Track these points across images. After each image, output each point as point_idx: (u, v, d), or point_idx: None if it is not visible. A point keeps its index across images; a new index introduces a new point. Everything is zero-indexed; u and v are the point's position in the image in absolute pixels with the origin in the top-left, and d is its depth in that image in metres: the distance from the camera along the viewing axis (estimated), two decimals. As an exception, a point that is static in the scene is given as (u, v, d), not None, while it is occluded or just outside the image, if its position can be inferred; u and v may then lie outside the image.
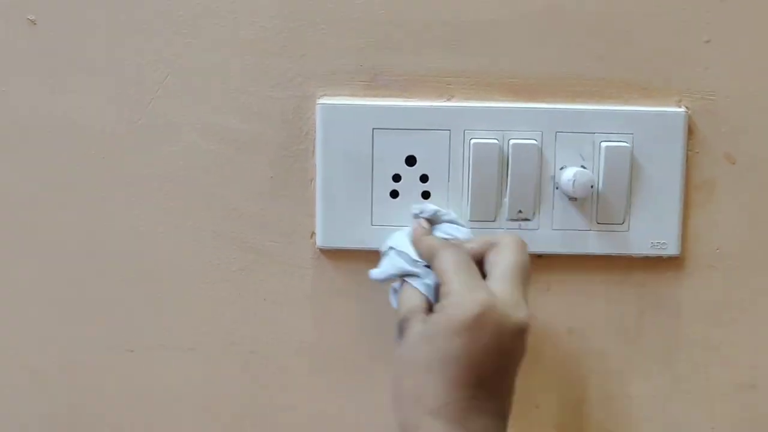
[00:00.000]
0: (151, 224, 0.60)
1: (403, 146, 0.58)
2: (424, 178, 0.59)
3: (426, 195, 0.59)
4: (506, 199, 0.58)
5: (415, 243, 0.54)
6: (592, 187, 0.57)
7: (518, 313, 0.47)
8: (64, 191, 0.60)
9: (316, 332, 0.61)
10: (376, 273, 0.55)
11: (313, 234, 0.60)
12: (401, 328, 0.50)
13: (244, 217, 0.60)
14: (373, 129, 0.58)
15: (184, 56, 0.58)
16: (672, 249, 0.59)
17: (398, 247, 0.54)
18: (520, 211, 0.58)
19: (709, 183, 0.59)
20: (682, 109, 0.58)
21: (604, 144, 0.58)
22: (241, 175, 0.59)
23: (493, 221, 0.59)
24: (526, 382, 0.60)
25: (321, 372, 0.62)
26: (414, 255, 0.53)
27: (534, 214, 0.59)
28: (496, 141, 0.57)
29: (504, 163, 0.58)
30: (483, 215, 0.58)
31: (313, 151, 0.59)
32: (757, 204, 0.60)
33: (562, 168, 0.58)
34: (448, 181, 0.59)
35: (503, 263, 0.50)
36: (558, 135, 0.58)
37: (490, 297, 0.47)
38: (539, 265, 0.60)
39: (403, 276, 0.53)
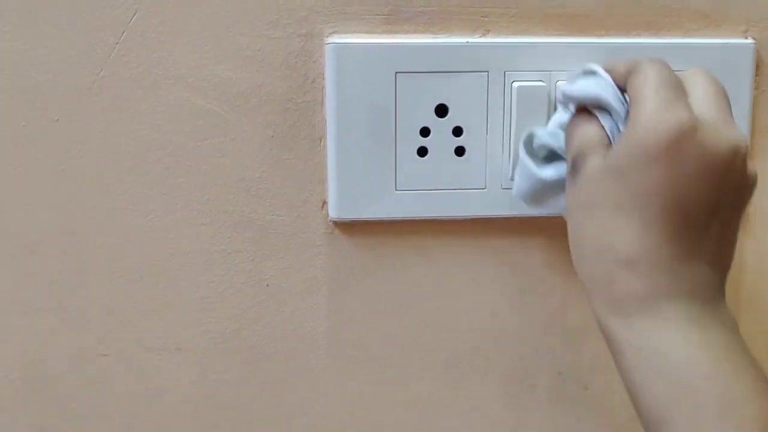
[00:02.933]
0: (123, 201, 0.49)
1: (433, 93, 0.48)
2: (457, 131, 0.49)
3: (460, 151, 0.49)
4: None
5: (609, 68, 0.42)
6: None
7: (728, 133, 0.38)
8: (11, 167, 0.48)
9: (330, 321, 0.52)
10: (571, 89, 0.43)
11: (324, 204, 0.50)
12: (575, 164, 0.41)
13: (239, 187, 0.49)
14: (396, 73, 0.48)
15: (155, -13, 0.46)
16: (736, 203, 0.52)
17: (603, 75, 0.42)
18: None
19: (775, 126, 0.53)
20: (750, 41, 0.51)
21: (665, 83, 0.49)
22: (234, 136, 0.49)
23: (538, 180, 0.50)
24: (572, 360, 0.53)
25: (339, 368, 0.53)
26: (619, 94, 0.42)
27: (585, 169, 0.50)
28: (542, 83, 0.49)
29: (552, 109, 0.49)
30: (527, 173, 0.50)
31: (322, 103, 0.49)
32: (826, 148, 0.53)
33: (616, 114, 0.50)
34: (487, 134, 0.49)
35: (702, 86, 0.40)
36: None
37: (692, 117, 0.37)
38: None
39: (595, 105, 0.42)
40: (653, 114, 0.38)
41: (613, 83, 0.42)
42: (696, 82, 0.41)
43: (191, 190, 0.49)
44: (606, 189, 0.39)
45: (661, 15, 0.50)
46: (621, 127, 0.41)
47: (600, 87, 0.42)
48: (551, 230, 0.52)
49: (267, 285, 0.51)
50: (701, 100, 0.40)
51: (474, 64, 0.48)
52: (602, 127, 0.41)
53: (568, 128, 0.43)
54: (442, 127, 0.49)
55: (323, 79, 0.48)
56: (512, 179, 0.49)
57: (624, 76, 0.41)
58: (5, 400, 0.52)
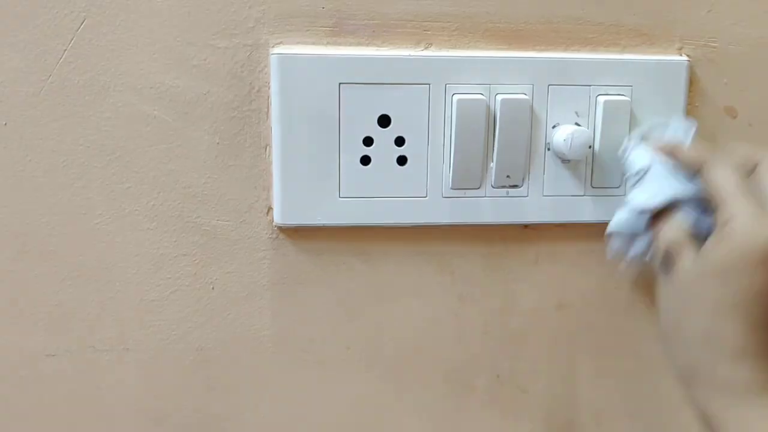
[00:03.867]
0: (72, 206, 0.50)
1: (375, 104, 0.50)
2: (399, 141, 0.51)
3: (402, 160, 0.51)
4: (493, 164, 0.51)
5: (673, 152, 0.48)
6: (589, 147, 0.51)
7: None
8: (-45, 166, 0.49)
9: (275, 324, 0.53)
10: (649, 203, 0.47)
11: (270, 210, 0.51)
12: (667, 259, 0.45)
13: (186, 193, 0.50)
14: (340, 84, 0.49)
15: (104, -4, 0.47)
16: (670, 213, 0.54)
17: (661, 162, 0.47)
18: (508, 176, 0.52)
19: (708, 139, 0.54)
20: (684, 58, 0.53)
21: (601, 98, 0.51)
22: (181, 143, 0.50)
23: (478, 188, 0.52)
24: (511, 364, 0.55)
25: (284, 370, 0.54)
26: (682, 173, 0.47)
27: (523, 179, 0.52)
28: (482, 96, 0.50)
29: (491, 121, 0.51)
30: (466, 182, 0.51)
31: (268, 112, 0.50)
32: (757, 162, 0.55)
33: (554, 126, 0.52)
34: (428, 144, 0.51)
35: None
36: (551, 88, 0.51)
37: None
38: (528, 235, 0.54)
39: (674, 201, 0.46)
40: (748, 226, 0.41)
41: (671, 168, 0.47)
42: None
43: (138, 195, 0.50)
44: (707, 289, 0.42)
45: (599, 32, 0.52)
46: (696, 209, 0.45)
47: (666, 182, 0.47)
48: (490, 238, 0.54)
49: (212, 288, 0.52)
50: None
51: (416, 76, 0.50)
52: (684, 218, 0.45)
53: (664, 223, 0.46)
54: (384, 137, 0.51)
55: (269, 88, 0.49)
56: (453, 187, 0.50)
57: (694, 162, 0.46)
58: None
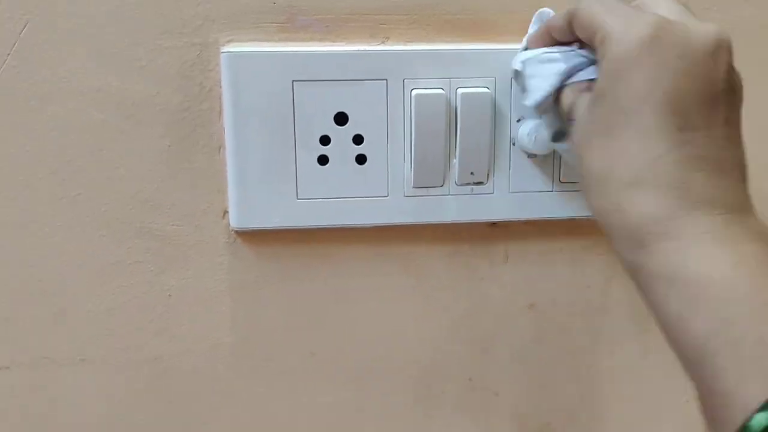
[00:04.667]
0: (18, 215, 0.48)
1: (331, 101, 0.48)
2: (357, 140, 0.49)
3: (361, 159, 0.49)
4: (456, 161, 0.49)
5: (548, 30, 0.43)
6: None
7: (702, 25, 0.36)
8: None
9: (235, 332, 0.52)
10: (532, 100, 0.43)
11: (225, 213, 0.50)
12: (569, 119, 0.40)
13: (137, 198, 0.49)
14: (293, 81, 0.48)
15: (45, -3, 0.46)
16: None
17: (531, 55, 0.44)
18: (472, 173, 0.50)
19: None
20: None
21: (566, 90, 0.49)
22: (130, 146, 0.48)
23: (441, 186, 0.50)
24: (481, 368, 0.53)
25: (246, 379, 0.52)
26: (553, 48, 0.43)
27: (488, 176, 0.50)
28: (441, 91, 0.48)
29: (452, 117, 0.49)
30: (429, 180, 0.50)
31: (220, 112, 0.48)
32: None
33: (519, 120, 0.50)
34: (387, 141, 0.49)
35: (663, 4, 0.38)
36: (514, 81, 0.49)
37: (659, 16, 0.36)
38: (495, 233, 0.52)
39: (568, 78, 0.42)
40: (621, 26, 0.36)
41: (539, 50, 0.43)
42: (656, 3, 0.39)
43: (88, 201, 0.49)
44: (595, 117, 0.37)
45: (562, 21, 0.50)
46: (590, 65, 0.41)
47: (543, 71, 0.43)
48: (456, 237, 0.52)
49: (169, 296, 0.51)
50: (663, 8, 0.38)
51: (372, 71, 0.48)
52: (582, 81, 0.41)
53: (560, 101, 0.42)
54: (342, 136, 0.49)
55: (220, 88, 0.48)
56: (415, 186, 0.48)
57: (567, 28, 0.41)
58: None
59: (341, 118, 0.49)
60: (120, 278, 0.50)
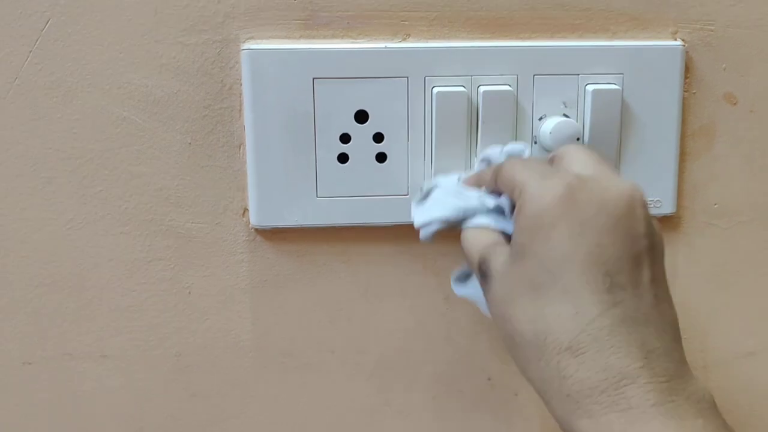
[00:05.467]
0: (43, 211, 0.48)
1: (352, 99, 0.47)
2: (378, 138, 0.48)
3: (381, 157, 0.49)
4: (477, 158, 0.49)
5: (478, 182, 0.43)
6: (578, 139, 0.48)
7: (615, 181, 0.36)
8: None
9: (255, 329, 0.51)
10: (420, 219, 0.43)
11: (245, 211, 0.49)
12: (482, 271, 0.38)
13: (158, 195, 0.49)
14: (314, 79, 0.47)
15: (67, -6, 0.46)
16: (667, 207, 0.51)
17: (445, 185, 0.44)
18: (493, 172, 0.49)
19: (707, 129, 0.51)
20: (679, 43, 0.49)
21: (590, 87, 0.48)
22: (151, 144, 0.48)
23: (462, 185, 0.49)
24: (501, 367, 0.53)
25: (266, 375, 0.52)
26: (469, 188, 0.43)
27: (510, 174, 0.49)
28: (463, 89, 0.48)
29: (473, 114, 0.48)
30: (450, 179, 0.49)
31: (241, 110, 0.48)
32: (760, 151, 0.52)
33: (541, 118, 0.49)
34: (408, 140, 0.48)
35: (576, 162, 0.38)
36: (536, 78, 0.48)
37: (573, 175, 0.36)
38: (517, 233, 0.51)
39: (461, 220, 0.42)
40: (536, 184, 0.36)
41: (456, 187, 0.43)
42: (568, 155, 0.39)
43: (110, 198, 0.48)
44: (518, 276, 0.36)
45: (586, 17, 0.49)
46: (501, 211, 0.41)
47: (445, 201, 0.43)
48: (477, 236, 0.51)
49: (189, 293, 0.50)
50: (579, 164, 0.38)
51: (393, 69, 0.47)
52: (492, 229, 0.40)
53: (462, 243, 0.42)
54: (362, 134, 0.48)
55: (240, 85, 0.47)
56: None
57: (493, 182, 0.41)
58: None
59: (362, 116, 0.48)
60: (140, 275, 0.50)
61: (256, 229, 0.50)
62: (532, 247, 0.36)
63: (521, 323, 0.36)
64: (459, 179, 0.46)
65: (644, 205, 0.36)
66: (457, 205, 0.42)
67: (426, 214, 0.43)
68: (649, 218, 0.36)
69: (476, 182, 0.44)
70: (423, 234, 0.43)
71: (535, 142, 0.49)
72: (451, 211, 0.42)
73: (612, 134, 0.49)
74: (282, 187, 0.48)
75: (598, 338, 0.34)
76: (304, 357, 0.52)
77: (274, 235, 0.50)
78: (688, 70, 0.50)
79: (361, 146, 0.48)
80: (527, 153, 0.44)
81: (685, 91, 0.50)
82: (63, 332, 0.50)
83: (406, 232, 0.50)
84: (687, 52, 0.50)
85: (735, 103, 0.51)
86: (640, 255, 0.35)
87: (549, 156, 0.42)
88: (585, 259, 0.34)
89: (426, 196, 0.45)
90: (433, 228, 0.43)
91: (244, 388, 0.52)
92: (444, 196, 0.43)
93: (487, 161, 0.45)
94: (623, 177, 0.38)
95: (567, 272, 0.35)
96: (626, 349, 0.34)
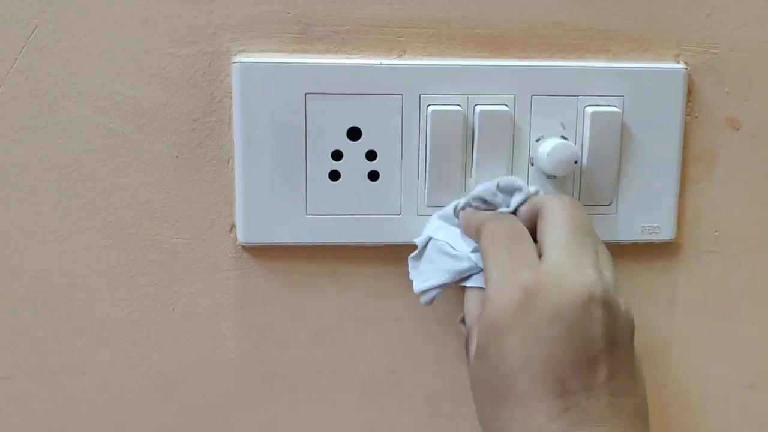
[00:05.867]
0: (25, 221, 0.47)
1: (345, 116, 0.46)
2: (371, 155, 0.47)
3: (374, 176, 0.47)
4: (472, 180, 0.47)
5: (465, 227, 0.43)
6: (576, 162, 0.46)
7: (573, 278, 0.36)
8: None
9: (241, 348, 0.49)
10: (420, 286, 0.43)
11: (233, 227, 0.48)
12: (466, 346, 0.41)
13: (143, 209, 0.47)
14: (306, 94, 0.45)
15: (56, 2, 0.44)
16: (666, 233, 0.50)
17: (440, 237, 0.44)
18: (488, 193, 0.47)
19: (708, 154, 0.50)
20: (681, 66, 0.48)
21: (590, 109, 0.47)
22: (138, 156, 0.46)
23: (456, 206, 0.47)
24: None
25: (251, 396, 0.50)
26: (462, 244, 0.43)
27: (505, 196, 0.48)
28: (459, 108, 0.46)
29: (469, 134, 0.46)
30: (443, 200, 0.47)
31: (230, 124, 0.46)
32: (762, 177, 0.50)
33: (538, 139, 0.47)
34: (401, 158, 0.47)
35: (552, 226, 0.39)
36: (534, 99, 0.47)
37: (533, 274, 0.36)
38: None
39: (458, 281, 0.42)
40: (494, 286, 0.37)
41: (450, 240, 0.43)
42: (550, 219, 0.39)
43: (94, 210, 0.47)
44: (479, 376, 0.38)
45: (587, 37, 0.47)
46: None
47: (439, 264, 0.43)
48: (470, 258, 0.49)
49: (173, 309, 0.48)
50: (553, 240, 0.38)
51: (388, 86, 0.46)
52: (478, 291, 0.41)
53: (465, 303, 0.42)
54: (354, 151, 0.46)
55: (231, 98, 0.46)
56: (429, 205, 0.46)
57: (472, 234, 0.42)
58: None
59: (354, 133, 0.46)
60: (124, 290, 0.48)
61: (244, 246, 0.48)
62: (489, 351, 0.37)
63: (483, 419, 0.38)
64: (456, 209, 0.45)
65: (603, 303, 0.36)
66: (452, 269, 0.42)
67: (423, 282, 0.43)
68: (607, 316, 0.36)
69: (466, 226, 0.43)
70: (423, 300, 0.44)
71: (532, 164, 0.47)
72: (447, 276, 0.42)
73: (611, 157, 0.48)
74: (271, 204, 0.47)
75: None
76: (290, 377, 0.50)
77: (262, 252, 0.48)
78: (690, 93, 0.48)
79: (353, 164, 0.47)
80: (523, 189, 0.43)
81: (687, 115, 0.48)
82: (43, 347, 0.49)
83: (397, 252, 0.48)
84: (689, 75, 0.48)
85: (737, 128, 0.49)
86: (595, 357, 0.36)
87: (536, 206, 0.41)
88: (537, 367, 0.35)
89: (422, 250, 0.45)
90: (432, 295, 0.43)
91: (228, 409, 0.50)
92: (438, 256, 0.43)
93: (480, 200, 0.44)
94: (587, 263, 0.37)
95: (519, 380, 0.35)
96: None
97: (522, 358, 0.35)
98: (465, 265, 0.42)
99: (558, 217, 0.39)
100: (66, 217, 0.47)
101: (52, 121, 0.45)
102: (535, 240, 0.39)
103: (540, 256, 0.38)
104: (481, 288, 0.41)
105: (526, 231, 0.39)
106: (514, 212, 0.43)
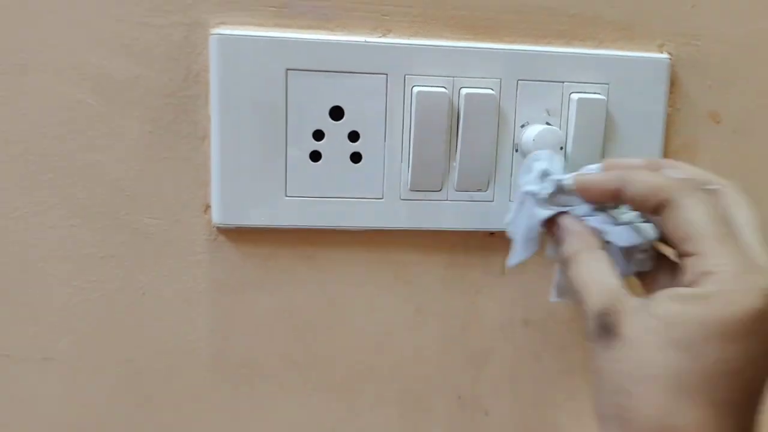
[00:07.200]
0: (-20, 196, 0.42)
1: (327, 94, 0.42)
2: (353, 137, 0.43)
3: (356, 157, 0.43)
4: (456, 164, 0.44)
5: (620, 184, 0.35)
6: (561, 148, 0.43)
7: None
8: None
9: (213, 334, 0.45)
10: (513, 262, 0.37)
11: (207, 208, 0.43)
12: (605, 326, 0.32)
13: (113, 186, 0.42)
14: (287, 70, 0.42)
15: (24, -36, 0.40)
16: (647, 224, 0.47)
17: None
18: (472, 179, 0.44)
19: (689, 146, 0.47)
20: (665, 56, 0.45)
21: (575, 96, 0.44)
22: (109, 132, 0.42)
23: (439, 191, 0.44)
24: (472, 385, 0.47)
25: (223, 386, 0.46)
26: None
27: (489, 182, 0.44)
28: (444, 90, 0.43)
29: (454, 117, 0.43)
30: (426, 184, 0.44)
31: (207, 99, 0.42)
32: (741, 172, 0.48)
33: (523, 125, 0.44)
34: (385, 140, 0.43)
35: (743, 220, 0.33)
36: (520, 84, 0.44)
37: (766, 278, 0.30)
38: (493, 243, 0.46)
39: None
40: (732, 283, 0.30)
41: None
42: (735, 205, 0.33)
43: (61, 187, 0.42)
44: (667, 362, 0.30)
45: (574, 24, 0.44)
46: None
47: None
48: (451, 246, 0.46)
49: (143, 293, 0.44)
50: (751, 238, 0.32)
51: (372, 65, 0.42)
52: (611, 263, 0.34)
53: (570, 271, 0.35)
54: (337, 131, 0.43)
55: (208, 72, 0.42)
56: (412, 189, 0.43)
57: (650, 204, 0.33)
58: None
59: (337, 113, 0.43)
60: (90, 272, 0.43)
61: (219, 228, 0.44)
62: (699, 348, 0.30)
63: (650, 403, 0.30)
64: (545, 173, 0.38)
65: None
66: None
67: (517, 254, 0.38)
68: None
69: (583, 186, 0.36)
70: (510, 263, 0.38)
71: (517, 150, 0.44)
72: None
73: (595, 144, 0.45)
74: (248, 184, 0.43)
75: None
76: (264, 368, 0.46)
77: (238, 235, 0.44)
78: (673, 85, 0.46)
79: (335, 144, 0.43)
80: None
81: (669, 107, 0.46)
82: (3, 331, 0.44)
83: (378, 237, 0.45)
84: (673, 66, 0.45)
85: (719, 122, 0.47)
86: None
87: (705, 184, 0.35)
88: (741, 380, 0.30)
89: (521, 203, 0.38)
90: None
91: (198, 399, 0.46)
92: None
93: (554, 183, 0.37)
94: None
95: (718, 387, 0.30)
96: None
97: (736, 368, 0.30)
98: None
99: (749, 213, 0.33)
100: (29, 193, 0.42)
101: (15, 90, 0.41)
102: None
103: (688, 255, 0.32)
104: (602, 267, 0.33)
105: None
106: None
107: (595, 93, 0.44)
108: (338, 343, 0.46)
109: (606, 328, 0.32)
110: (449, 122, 0.43)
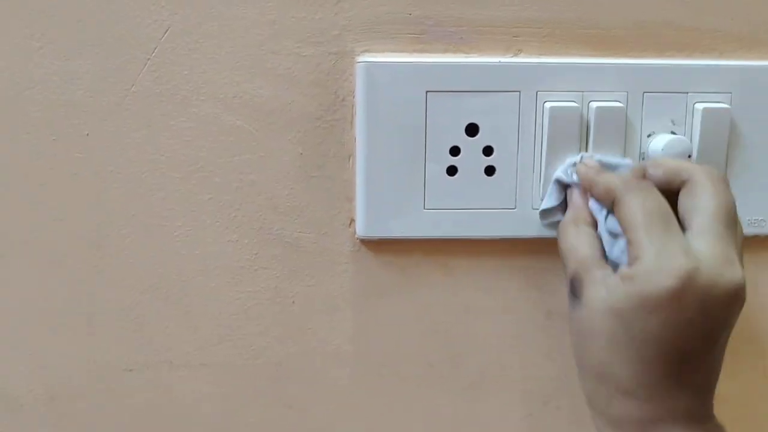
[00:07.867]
0: (152, 216, 0.45)
1: (463, 112, 0.44)
2: (487, 151, 0.45)
3: (490, 170, 0.45)
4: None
5: (588, 186, 0.41)
6: (689, 157, 0.44)
7: (728, 275, 0.35)
8: (41, 181, 0.44)
9: (357, 340, 0.47)
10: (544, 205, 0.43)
11: (352, 221, 0.46)
12: (573, 287, 0.39)
13: (267, 204, 0.45)
14: (426, 92, 0.43)
15: (188, 4, 0.42)
16: (770, 227, 0.47)
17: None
18: (599, 188, 0.45)
19: (808, 151, 0.47)
20: (786, 64, 0.46)
21: (699, 106, 0.44)
22: (263, 153, 0.44)
23: (567, 201, 0.45)
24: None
25: (364, 387, 0.48)
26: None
27: (615, 191, 0.45)
28: (575, 104, 0.44)
29: (584, 130, 0.44)
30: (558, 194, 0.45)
31: (352, 122, 0.44)
32: None
33: (650, 135, 0.45)
34: (518, 153, 0.45)
35: (703, 211, 0.37)
36: (646, 96, 0.44)
37: (691, 263, 0.35)
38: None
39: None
40: (652, 265, 0.35)
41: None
42: (702, 197, 0.37)
43: (219, 206, 0.45)
44: (606, 326, 0.36)
45: (694, 36, 0.45)
46: (608, 224, 0.39)
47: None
48: (580, 252, 0.47)
49: (293, 302, 0.46)
50: (702, 227, 0.36)
51: (505, 83, 0.44)
52: (595, 236, 0.40)
53: (559, 236, 0.41)
54: (472, 147, 0.44)
55: (353, 97, 0.44)
56: (542, 200, 0.44)
57: (608, 203, 0.39)
58: (28, 414, 0.47)
59: (472, 129, 0.44)
60: (245, 284, 0.46)
61: (362, 240, 0.46)
62: (628, 316, 0.36)
63: (594, 356, 0.37)
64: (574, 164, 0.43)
65: (738, 297, 0.36)
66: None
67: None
68: (738, 306, 0.37)
69: (589, 182, 0.42)
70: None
71: (644, 159, 0.45)
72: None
73: (719, 153, 0.45)
74: (390, 199, 0.45)
75: (648, 394, 0.36)
76: (402, 370, 0.48)
77: (379, 246, 0.46)
78: (794, 91, 0.46)
79: (471, 159, 0.44)
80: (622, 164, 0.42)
81: (790, 113, 0.46)
82: (165, 339, 0.46)
83: (510, 245, 0.46)
84: (794, 73, 0.46)
85: (838, 125, 0.47)
86: (719, 340, 0.37)
87: (680, 175, 0.39)
88: (669, 342, 0.35)
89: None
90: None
91: (342, 399, 0.48)
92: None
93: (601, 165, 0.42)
94: (735, 256, 0.36)
95: (648, 348, 0.36)
96: (669, 404, 0.36)
97: (660, 335, 0.35)
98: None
99: (710, 201, 0.37)
100: (191, 212, 0.45)
101: (180, 119, 0.44)
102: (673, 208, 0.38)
103: (629, 242, 0.37)
104: (583, 231, 0.40)
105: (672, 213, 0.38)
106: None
107: (719, 102, 0.45)
108: (471, 345, 0.48)
109: (574, 291, 0.38)
110: (579, 134, 0.44)
